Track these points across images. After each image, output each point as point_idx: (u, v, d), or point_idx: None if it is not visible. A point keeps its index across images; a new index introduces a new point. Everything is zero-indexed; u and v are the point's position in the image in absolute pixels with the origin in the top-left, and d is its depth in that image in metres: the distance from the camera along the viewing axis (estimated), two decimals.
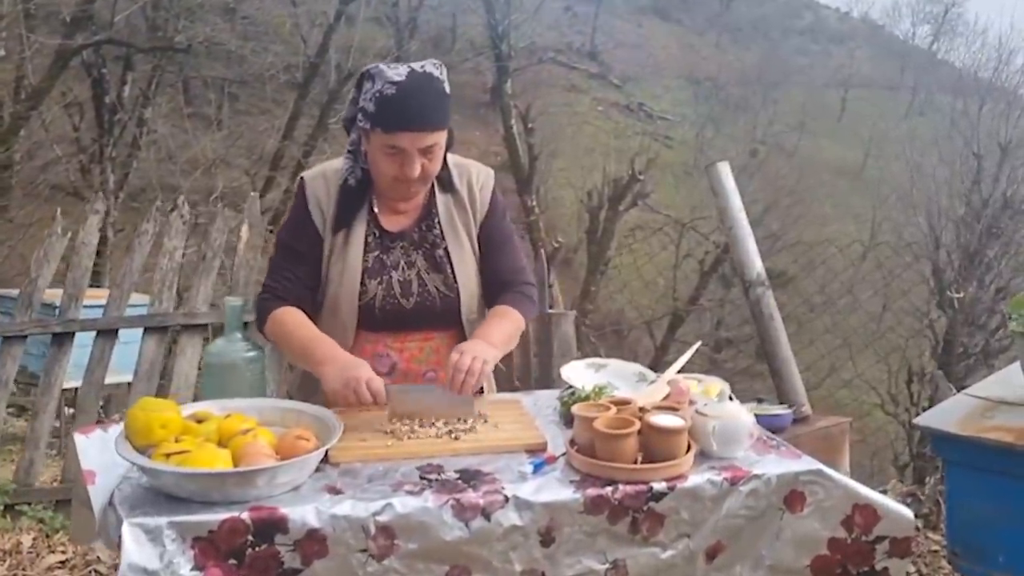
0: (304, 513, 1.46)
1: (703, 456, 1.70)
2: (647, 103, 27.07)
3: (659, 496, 1.59)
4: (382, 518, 1.48)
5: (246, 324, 2.27)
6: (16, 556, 3.12)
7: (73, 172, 12.78)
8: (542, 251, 4.40)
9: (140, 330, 3.93)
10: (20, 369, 5.27)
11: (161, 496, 1.49)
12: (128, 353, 4.11)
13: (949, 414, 2.85)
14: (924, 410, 10.89)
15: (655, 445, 1.63)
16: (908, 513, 1.69)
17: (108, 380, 4.92)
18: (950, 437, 2.76)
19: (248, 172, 13.67)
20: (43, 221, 3.81)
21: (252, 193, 4.25)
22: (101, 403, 5.87)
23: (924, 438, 8.82)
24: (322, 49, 14.71)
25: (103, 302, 3.92)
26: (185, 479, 1.45)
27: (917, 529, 3.77)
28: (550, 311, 4.20)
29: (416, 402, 1.87)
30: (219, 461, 1.48)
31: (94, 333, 3.85)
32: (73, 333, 3.78)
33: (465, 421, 1.84)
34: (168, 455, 1.49)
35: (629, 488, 1.58)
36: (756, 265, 3.65)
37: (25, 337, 3.71)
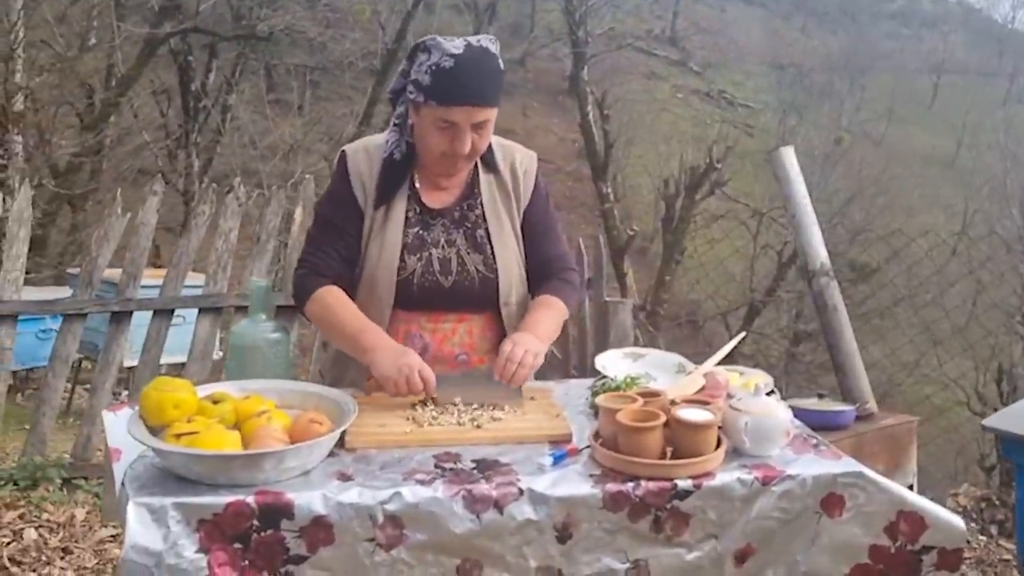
0: (311, 499, 1.42)
1: (735, 454, 1.61)
2: (728, 90, 26.59)
3: (684, 494, 1.51)
4: (390, 507, 1.44)
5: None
6: (70, 529, 3.19)
7: (161, 157, 13.16)
8: (601, 238, 4.31)
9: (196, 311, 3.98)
10: (92, 347, 5.45)
11: (170, 477, 1.47)
12: (189, 334, 4.17)
13: (1022, 416, 2.69)
14: None
15: (682, 440, 1.54)
16: (958, 522, 1.57)
17: (171, 361, 5.04)
18: (1021, 440, 2.60)
19: (327, 157, 13.87)
20: (130, 204, 3.87)
21: (306, 176, 4.26)
22: None
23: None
24: (400, 36, 14.81)
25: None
26: (192, 460, 1.43)
27: (990, 536, 3.59)
28: (607, 299, 4.12)
29: (463, 390, 1.83)
30: (227, 443, 1.45)
31: (149, 313, 3.91)
32: (131, 312, 3.85)
33: (491, 408, 1.79)
34: (178, 436, 1.47)
35: (652, 485, 1.50)
36: (820, 254, 3.50)
37: (84, 315, 3.78)
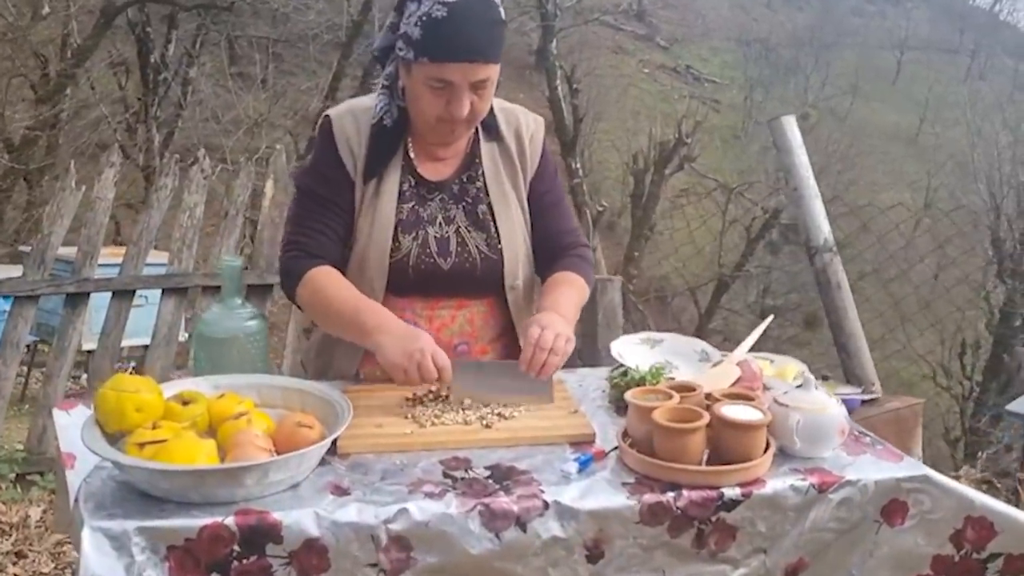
0: (301, 518, 1.21)
1: (783, 456, 1.42)
2: (695, 66, 26.47)
3: (731, 504, 1.32)
4: (395, 526, 1.23)
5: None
6: (23, 530, 2.94)
7: (120, 131, 12.74)
8: (587, 213, 4.11)
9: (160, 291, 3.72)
10: (48, 330, 5.16)
11: (133, 494, 1.25)
12: (151, 315, 3.91)
13: None
14: (978, 383, 10.43)
15: (727, 443, 1.35)
16: None
17: (132, 343, 4.77)
18: None
19: (291, 132, 13.51)
20: (89, 179, 3.60)
21: (278, 147, 4.00)
22: (132, 366, 5.76)
23: (993, 418, 8.46)
24: (366, 8, 14.42)
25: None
26: (158, 476, 1.20)
27: None
28: (595, 277, 3.92)
29: (484, 381, 1.60)
30: (201, 454, 1.23)
31: (109, 294, 3.64)
32: (88, 293, 3.58)
33: (503, 406, 1.57)
34: (141, 445, 1.24)
35: (694, 494, 1.31)
36: (823, 229, 3.33)
37: (37, 297, 3.50)
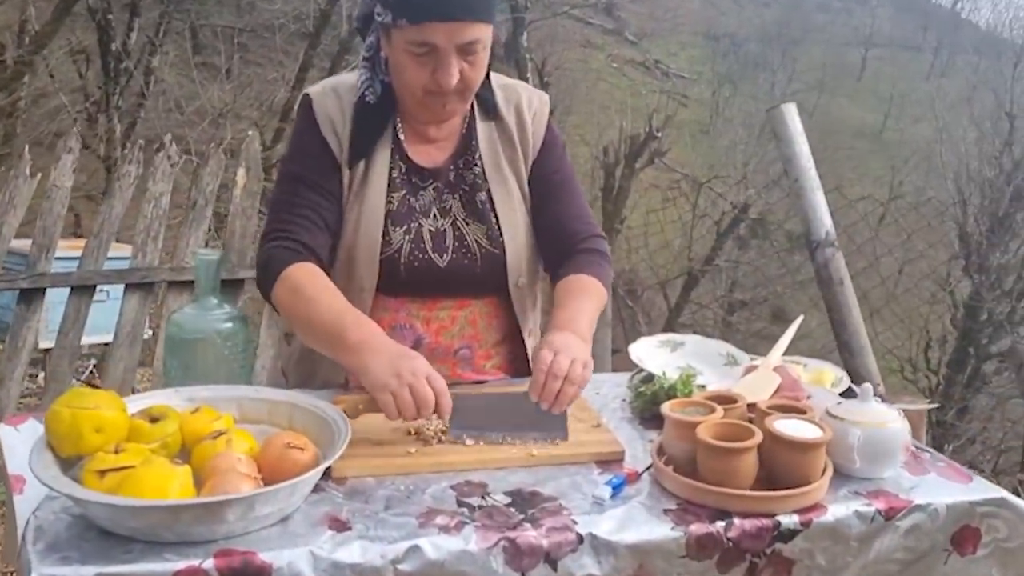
0: (294, 559, 1.02)
1: (841, 478, 1.25)
2: (663, 60, 26.42)
3: (789, 535, 1.15)
4: (405, 566, 1.05)
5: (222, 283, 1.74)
6: None
7: (80, 121, 12.38)
8: None
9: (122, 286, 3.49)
10: (1, 326, 4.88)
11: (92, 532, 1.05)
12: (113, 312, 3.68)
13: None
14: (944, 378, 10.37)
15: (782, 463, 1.18)
16: None
17: (93, 341, 4.53)
18: None
19: (257, 123, 13.22)
20: (47, 170, 3.35)
21: (250, 132, 3.77)
22: (93, 363, 5.50)
23: (960, 412, 8.43)
24: None
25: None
26: (124, 513, 1.01)
27: None
28: None
29: (490, 413, 1.38)
30: (173, 484, 1.04)
31: (67, 289, 3.41)
32: (44, 289, 3.34)
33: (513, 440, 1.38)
34: (102, 473, 1.05)
35: (748, 523, 1.14)
36: (825, 223, 3.17)
37: None
